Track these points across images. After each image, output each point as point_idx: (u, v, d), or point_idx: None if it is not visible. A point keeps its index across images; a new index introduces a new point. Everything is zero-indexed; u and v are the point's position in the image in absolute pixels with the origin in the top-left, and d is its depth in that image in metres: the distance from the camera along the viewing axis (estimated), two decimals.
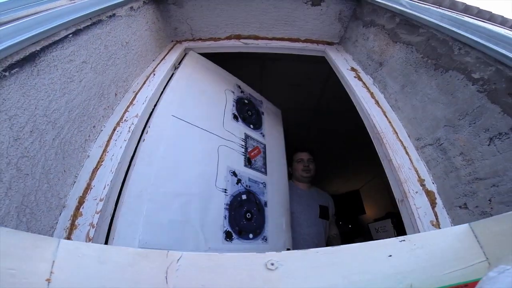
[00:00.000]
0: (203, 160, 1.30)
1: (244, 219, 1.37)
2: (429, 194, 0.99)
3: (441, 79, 0.98)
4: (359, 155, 4.41)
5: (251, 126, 1.80)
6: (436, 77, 1.01)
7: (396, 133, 1.20)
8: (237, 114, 1.71)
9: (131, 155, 1.09)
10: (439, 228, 0.89)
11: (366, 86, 1.45)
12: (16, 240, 0.42)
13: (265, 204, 1.56)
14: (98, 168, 0.98)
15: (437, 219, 0.93)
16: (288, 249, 1.58)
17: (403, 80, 1.21)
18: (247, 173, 1.54)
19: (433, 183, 1.02)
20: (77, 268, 0.43)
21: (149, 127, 1.19)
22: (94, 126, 1.04)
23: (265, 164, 1.74)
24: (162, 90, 1.38)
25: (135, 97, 1.25)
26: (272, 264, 0.45)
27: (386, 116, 1.27)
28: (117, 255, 0.45)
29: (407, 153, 1.12)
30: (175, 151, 1.20)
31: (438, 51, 1.01)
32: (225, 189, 1.33)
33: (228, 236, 1.22)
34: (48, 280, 0.41)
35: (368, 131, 1.31)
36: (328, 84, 2.71)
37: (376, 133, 1.21)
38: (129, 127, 1.10)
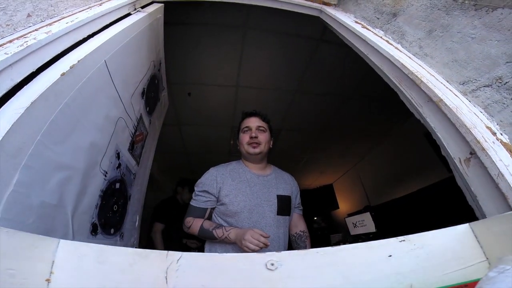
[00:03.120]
0: (101, 128, 1.06)
1: (111, 211, 1.21)
2: (507, 147, 0.71)
3: (488, 17, 0.89)
4: (334, 147, 4.40)
5: (147, 108, 1.67)
6: (480, 16, 0.92)
7: (433, 76, 0.98)
8: (145, 90, 1.57)
9: (16, 81, 0.72)
10: None
11: (378, 35, 1.30)
12: (15, 240, 0.42)
13: (129, 197, 1.43)
14: None
15: None
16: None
17: (429, 25, 1.12)
18: (127, 158, 1.37)
19: (502, 134, 0.76)
20: (77, 268, 0.43)
21: (71, 56, 0.89)
22: None
23: (141, 154, 1.60)
24: (106, 25, 1.13)
25: (59, 20, 0.94)
26: (272, 264, 0.45)
27: (414, 61, 1.09)
28: (117, 255, 0.45)
29: (456, 96, 0.88)
30: (82, 105, 0.91)
31: None
32: (106, 172, 1.13)
33: (94, 230, 1.06)
34: (48, 280, 0.41)
35: (391, 77, 1.13)
36: (310, 63, 2.62)
37: (409, 73, 1.00)
38: (25, 42, 0.77)
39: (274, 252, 0.47)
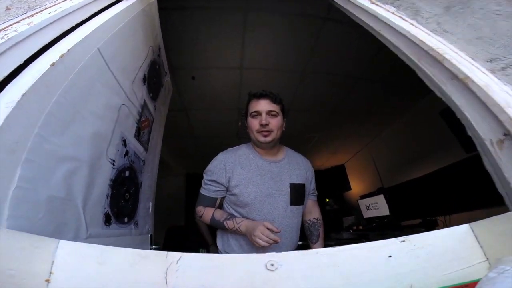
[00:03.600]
0: (103, 116, 1.04)
1: (123, 200, 1.19)
2: None
3: None
4: (347, 126, 4.28)
5: (151, 94, 1.63)
6: None
7: (456, 53, 0.91)
8: (146, 76, 1.52)
9: (3, 75, 0.70)
10: None
11: (390, 11, 1.21)
12: (15, 240, 0.41)
13: (140, 184, 1.41)
14: None
15: None
16: (151, 236, 1.51)
17: (446, 1, 1.04)
18: (135, 145, 1.35)
19: None
20: (77, 269, 0.43)
21: (60, 45, 0.85)
22: None
23: (148, 140, 1.58)
24: (95, 13, 1.09)
25: (42, 11, 0.91)
26: (272, 265, 0.46)
27: (433, 37, 1.01)
28: (117, 255, 0.45)
29: (484, 73, 0.82)
30: (79, 94, 0.89)
31: None
32: (114, 161, 1.12)
33: (107, 220, 1.05)
34: (48, 281, 0.41)
35: (409, 54, 1.06)
36: (317, 43, 2.53)
37: (429, 50, 0.92)
38: (6, 34, 0.74)
39: (274, 253, 0.47)
